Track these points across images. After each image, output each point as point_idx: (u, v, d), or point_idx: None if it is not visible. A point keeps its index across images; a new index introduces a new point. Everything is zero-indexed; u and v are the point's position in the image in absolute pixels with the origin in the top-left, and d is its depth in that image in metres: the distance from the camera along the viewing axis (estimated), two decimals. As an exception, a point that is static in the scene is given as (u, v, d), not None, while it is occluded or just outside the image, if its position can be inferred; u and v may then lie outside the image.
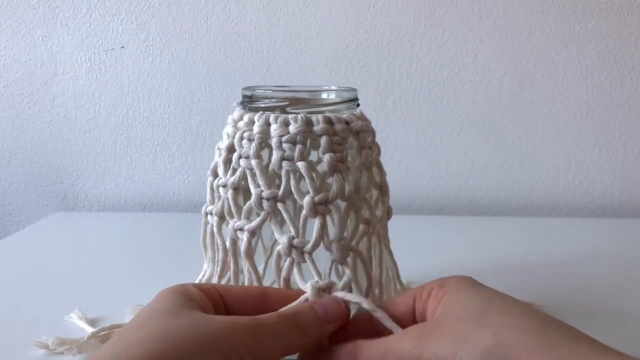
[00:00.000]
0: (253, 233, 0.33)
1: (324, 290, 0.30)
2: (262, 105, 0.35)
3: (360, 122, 0.35)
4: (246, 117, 0.35)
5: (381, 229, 0.38)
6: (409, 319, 0.28)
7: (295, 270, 0.32)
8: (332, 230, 0.33)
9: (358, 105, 0.37)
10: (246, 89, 0.36)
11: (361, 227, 0.34)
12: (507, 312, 0.24)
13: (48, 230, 0.71)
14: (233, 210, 0.34)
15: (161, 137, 0.80)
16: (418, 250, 0.60)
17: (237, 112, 0.36)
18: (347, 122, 0.34)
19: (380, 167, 0.37)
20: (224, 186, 0.35)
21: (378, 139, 0.38)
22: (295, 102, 0.35)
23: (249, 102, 0.36)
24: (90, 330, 0.41)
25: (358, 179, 0.34)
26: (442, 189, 0.80)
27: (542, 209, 0.79)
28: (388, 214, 0.38)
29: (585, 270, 0.55)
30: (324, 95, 0.36)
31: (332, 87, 0.37)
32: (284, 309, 0.28)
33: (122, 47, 0.77)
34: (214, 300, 0.29)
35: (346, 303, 0.29)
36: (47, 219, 0.76)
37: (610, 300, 0.49)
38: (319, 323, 0.28)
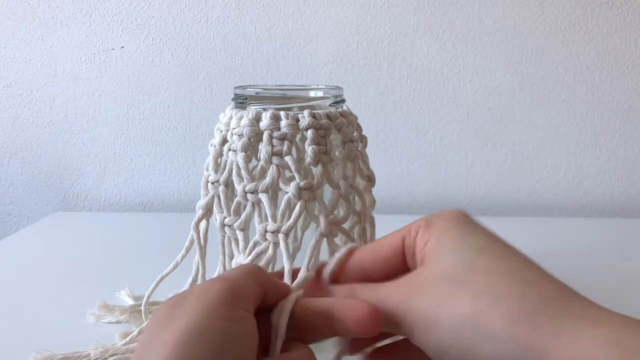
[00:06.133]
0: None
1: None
2: (254, 103, 0.37)
3: (343, 118, 0.37)
4: (237, 114, 0.37)
5: (370, 217, 0.40)
6: (398, 260, 0.29)
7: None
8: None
9: (344, 101, 0.39)
10: (238, 88, 0.38)
11: (352, 216, 0.36)
12: (491, 272, 0.24)
13: (48, 230, 0.71)
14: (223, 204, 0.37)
15: (161, 137, 0.80)
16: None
17: (228, 109, 0.39)
18: (330, 118, 0.36)
19: (365, 159, 0.39)
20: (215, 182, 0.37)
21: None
22: (285, 100, 0.37)
23: (241, 100, 0.38)
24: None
25: (343, 170, 0.36)
26: (442, 189, 0.80)
27: (542, 209, 0.79)
28: (373, 202, 0.40)
29: (585, 270, 0.55)
30: (312, 94, 0.38)
31: (320, 86, 0.39)
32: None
33: (122, 47, 0.77)
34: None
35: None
36: (47, 219, 0.76)
37: (609, 300, 0.49)
38: None
